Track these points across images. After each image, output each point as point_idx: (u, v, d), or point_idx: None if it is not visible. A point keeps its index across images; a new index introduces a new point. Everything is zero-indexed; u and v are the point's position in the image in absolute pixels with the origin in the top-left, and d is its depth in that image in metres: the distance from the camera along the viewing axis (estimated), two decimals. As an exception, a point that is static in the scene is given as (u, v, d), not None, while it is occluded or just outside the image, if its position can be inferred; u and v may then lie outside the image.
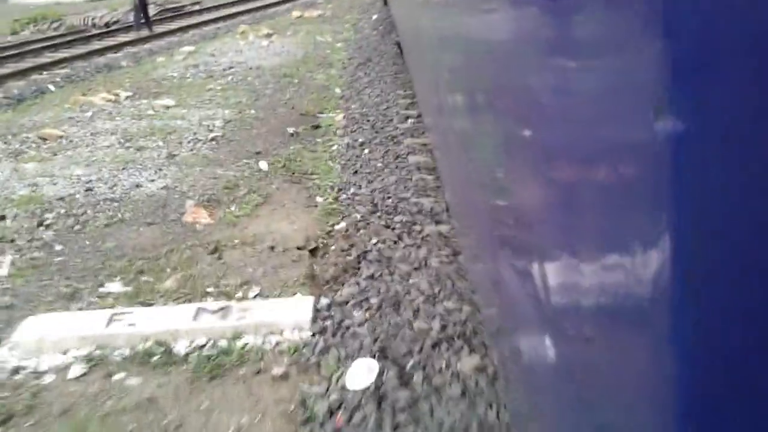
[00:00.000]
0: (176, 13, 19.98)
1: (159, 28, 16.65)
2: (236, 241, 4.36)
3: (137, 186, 5.49)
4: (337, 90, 9.01)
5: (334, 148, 6.42)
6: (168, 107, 8.42)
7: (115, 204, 5.13)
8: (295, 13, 18.34)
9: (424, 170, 5.19)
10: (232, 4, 22.18)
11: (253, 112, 8.05)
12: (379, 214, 4.56)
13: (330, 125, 7.34)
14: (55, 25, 20.60)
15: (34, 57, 12.94)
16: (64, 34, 17.17)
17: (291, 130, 7.07)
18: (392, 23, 13.12)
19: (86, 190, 5.42)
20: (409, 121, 6.73)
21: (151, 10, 20.58)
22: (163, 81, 10.30)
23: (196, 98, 8.90)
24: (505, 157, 1.18)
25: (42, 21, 21.78)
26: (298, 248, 4.18)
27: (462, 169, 2.08)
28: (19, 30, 20.71)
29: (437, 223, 4.26)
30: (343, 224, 4.50)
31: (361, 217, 4.55)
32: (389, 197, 4.76)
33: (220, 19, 17.86)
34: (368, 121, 7.11)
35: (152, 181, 5.58)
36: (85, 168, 6.05)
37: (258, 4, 22.06)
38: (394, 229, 4.28)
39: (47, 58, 12.68)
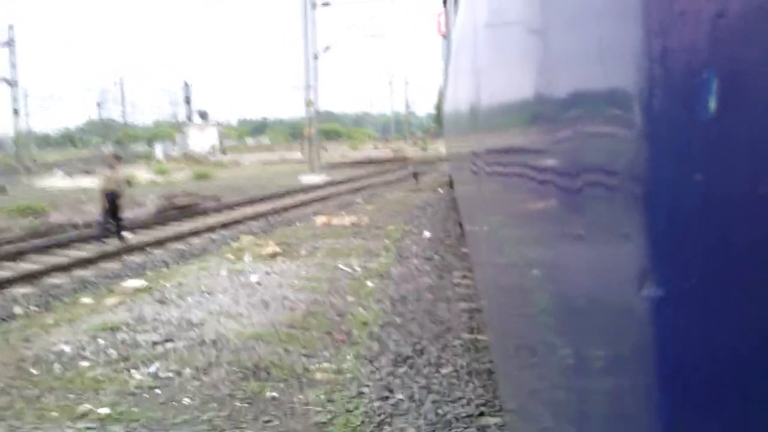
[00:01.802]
0: (176, 213, 16.07)
1: (137, 237, 12.48)
2: None
3: None
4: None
5: None
6: None
7: None
8: (321, 220, 14.08)
9: None
10: (251, 202, 18.39)
11: None
12: None
13: None
14: (38, 221, 16.81)
15: None
16: (12, 240, 13.02)
17: None
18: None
19: None
20: None
21: (152, 206, 16.89)
22: (31, 371, 5.50)
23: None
24: None
25: (31, 214, 18.27)
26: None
27: None
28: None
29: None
30: None
31: None
32: None
33: (222, 227, 13.66)
34: None
35: None
36: None
37: (283, 203, 18.22)
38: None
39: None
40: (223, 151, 67.91)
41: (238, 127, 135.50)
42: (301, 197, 19.94)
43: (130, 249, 10.75)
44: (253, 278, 8.52)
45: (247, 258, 10.23)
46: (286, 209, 16.72)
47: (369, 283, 8.46)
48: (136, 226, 13.64)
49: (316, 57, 27.20)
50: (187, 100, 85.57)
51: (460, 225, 11.04)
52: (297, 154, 57.60)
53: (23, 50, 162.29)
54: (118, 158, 12.21)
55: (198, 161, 52.80)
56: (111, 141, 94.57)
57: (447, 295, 7.33)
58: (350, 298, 7.75)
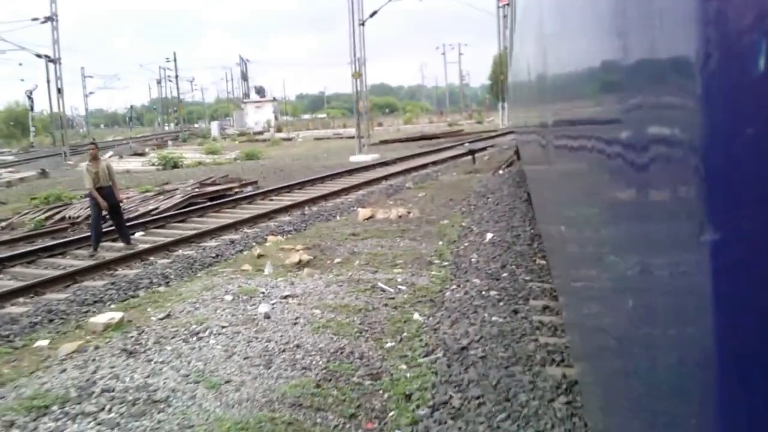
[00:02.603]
0: (207, 203, 14.20)
1: (150, 237, 10.64)
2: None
3: None
4: None
5: None
6: None
7: None
8: (364, 213, 11.90)
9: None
10: (289, 188, 16.40)
11: None
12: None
13: None
14: (55, 210, 15.27)
15: None
16: (21, 237, 11.41)
17: None
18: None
19: None
20: None
21: (179, 195, 15.09)
22: None
23: None
24: None
25: (54, 203, 16.86)
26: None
27: None
28: (15, 215, 15.71)
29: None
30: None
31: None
32: None
33: (248, 222, 11.67)
34: None
35: None
36: None
37: (325, 188, 16.17)
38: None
39: None
40: (278, 129, 66.39)
41: (296, 102, 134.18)
42: (346, 180, 17.87)
43: (127, 258, 8.85)
44: (262, 309, 6.43)
45: (267, 269, 8.19)
46: (326, 197, 14.63)
47: (416, 315, 6.26)
48: (150, 223, 11.80)
49: (362, 24, 24.83)
50: (244, 76, 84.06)
51: (528, 199, 8.99)
52: (352, 130, 55.53)
53: (82, 31, 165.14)
54: (96, 146, 10.29)
55: (251, 139, 51.42)
56: (171, 119, 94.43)
57: (527, 351, 5.02)
58: (389, 343, 5.58)
